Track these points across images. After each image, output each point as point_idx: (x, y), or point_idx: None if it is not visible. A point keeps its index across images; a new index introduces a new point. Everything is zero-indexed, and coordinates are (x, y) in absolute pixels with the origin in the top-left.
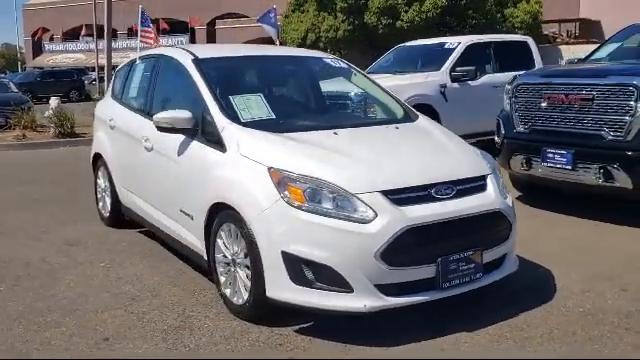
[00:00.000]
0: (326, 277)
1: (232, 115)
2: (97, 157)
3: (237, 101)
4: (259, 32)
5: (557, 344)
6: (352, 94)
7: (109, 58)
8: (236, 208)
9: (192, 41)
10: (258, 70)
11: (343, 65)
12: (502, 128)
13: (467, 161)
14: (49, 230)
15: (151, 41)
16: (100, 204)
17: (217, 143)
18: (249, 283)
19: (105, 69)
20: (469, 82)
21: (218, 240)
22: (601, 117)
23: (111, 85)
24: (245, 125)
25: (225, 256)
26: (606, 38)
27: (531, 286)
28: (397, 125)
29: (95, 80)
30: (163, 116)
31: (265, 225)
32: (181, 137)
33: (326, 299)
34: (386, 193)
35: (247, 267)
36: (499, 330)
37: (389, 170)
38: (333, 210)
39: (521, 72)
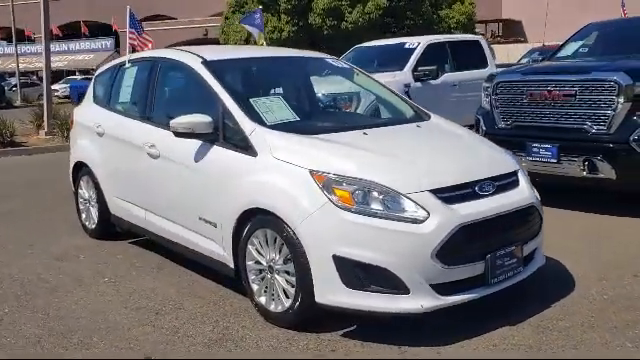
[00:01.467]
0: (382, 279)
1: (257, 118)
2: (79, 166)
3: (259, 104)
4: (189, 34)
5: (600, 331)
6: (359, 94)
7: (48, 61)
8: (277, 213)
9: (117, 44)
10: (268, 72)
11: (345, 65)
12: (483, 125)
13: (498, 157)
14: (31, 245)
15: (139, 43)
16: (83, 216)
17: (245, 148)
18: (291, 289)
19: (44, 74)
20: (431, 81)
21: (249, 247)
22: (584, 112)
23: (91, 90)
24: (273, 128)
25: (259, 263)
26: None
27: (551, 278)
28: (418, 124)
29: (16, 86)
30: (182, 121)
31: (313, 229)
32: (198, 142)
33: (382, 301)
34: (435, 192)
35: (287, 273)
36: (540, 322)
37: (433, 169)
38: (384, 211)
39: (498, 70)
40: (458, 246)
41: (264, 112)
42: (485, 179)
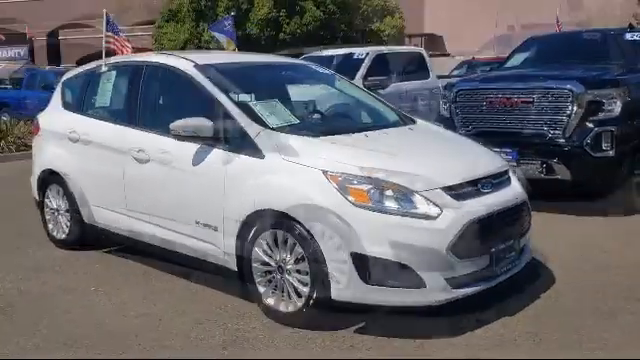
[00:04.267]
0: (399, 274)
1: (260, 121)
2: (46, 174)
3: (259, 107)
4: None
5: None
6: (345, 99)
7: None
8: (289, 214)
9: (32, 53)
10: (258, 76)
11: (328, 72)
12: None
13: (491, 157)
14: None
15: (117, 47)
16: (50, 226)
17: (250, 150)
18: (304, 288)
19: None
20: (380, 91)
21: (256, 249)
22: (541, 117)
23: (58, 95)
24: (278, 130)
25: (266, 264)
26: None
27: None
28: (410, 127)
29: None
30: (183, 124)
31: (329, 228)
32: (195, 146)
33: (399, 296)
34: (446, 189)
35: (299, 272)
36: (534, 312)
37: (441, 167)
38: (398, 208)
39: (456, 79)
40: (469, 240)
41: (265, 115)
42: (485, 177)
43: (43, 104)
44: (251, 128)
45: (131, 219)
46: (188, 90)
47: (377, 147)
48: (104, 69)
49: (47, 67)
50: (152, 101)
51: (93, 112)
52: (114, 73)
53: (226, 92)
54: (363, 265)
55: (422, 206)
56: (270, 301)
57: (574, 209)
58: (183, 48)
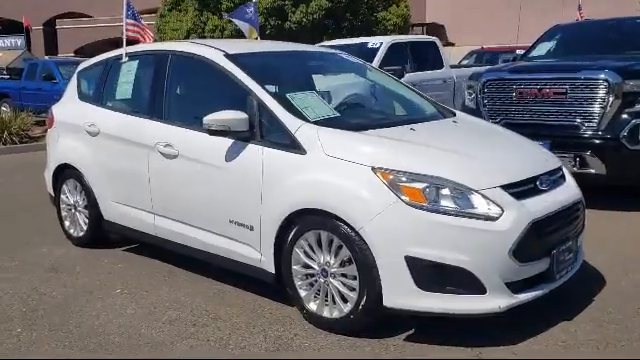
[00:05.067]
0: (458, 280)
1: (299, 114)
2: (62, 169)
3: (296, 99)
4: (106, 32)
5: None
6: (380, 90)
7: None
8: (336, 213)
9: (28, 42)
10: (291, 66)
11: (360, 61)
12: None
13: (545, 153)
14: (11, 258)
15: (138, 35)
16: (67, 223)
17: (290, 145)
18: (351, 293)
19: None
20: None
21: (297, 250)
22: (575, 109)
23: (74, 86)
24: (319, 124)
25: (308, 267)
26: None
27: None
28: (453, 120)
29: None
30: (217, 118)
31: (382, 230)
32: (229, 141)
33: (457, 303)
34: (505, 187)
35: (345, 276)
36: (593, 315)
37: (498, 164)
38: (456, 208)
39: (485, 68)
40: (531, 242)
41: (303, 108)
42: (543, 174)
43: (44, 95)
44: (291, 122)
45: (156, 216)
46: (218, 81)
47: (427, 141)
48: (125, 59)
49: (46, 57)
50: (179, 93)
51: (113, 104)
52: (136, 63)
53: (261, 83)
54: (418, 269)
55: (481, 206)
56: (312, 306)
57: (616, 205)
58: (186, 38)
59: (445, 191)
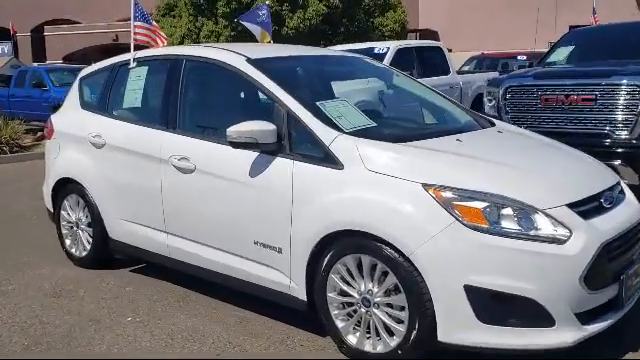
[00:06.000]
0: (524, 311)
1: (332, 125)
2: (63, 183)
3: (327, 108)
4: (93, 39)
5: None
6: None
7: None
8: (381, 236)
9: (16, 49)
10: (317, 72)
11: (386, 66)
12: None
13: (601, 165)
14: (8, 280)
15: (148, 39)
16: (68, 241)
17: (323, 159)
18: (398, 326)
19: None
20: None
21: (333, 276)
22: (605, 116)
23: (75, 94)
24: (355, 135)
25: (345, 294)
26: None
27: None
28: (498, 130)
29: None
30: (243, 129)
31: (437, 255)
32: (253, 154)
33: (523, 337)
34: (571, 206)
35: (390, 306)
36: None
37: (560, 179)
38: (520, 230)
39: (502, 75)
40: (602, 267)
41: (337, 117)
42: (605, 190)
43: (33, 102)
44: (324, 133)
45: (169, 235)
46: (240, 89)
47: (477, 154)
48: (133, 64)
49: (35, 64)
50: (195, 101)
51: (121, 113)
52: (145, 69)
53: (289, 90)
54: (480, 300)
55: (547, 227)
56: (352, 339)
57: None
58: (180, 44)
59: (507, 211)
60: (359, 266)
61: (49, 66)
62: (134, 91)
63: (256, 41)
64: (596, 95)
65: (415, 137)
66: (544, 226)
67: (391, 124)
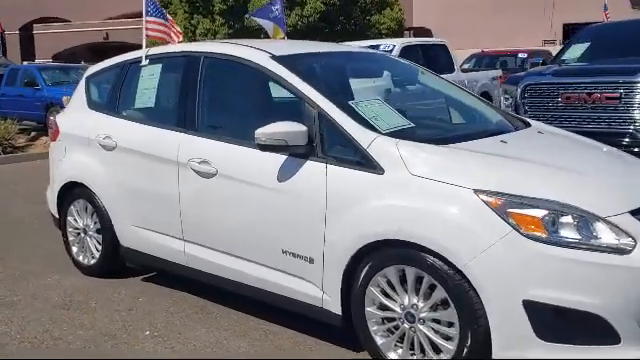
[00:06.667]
0: (587, 327)
1: (369, 126)
2: (69, 188)
3: (361, 108)
4: (83, 38)
5: None
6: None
7: None
8: (432, 247)
9: (4, 48)
10: (343, 69)
11: (410, 63)
12: None
13: None
14: (13, 290)
15: (163, 35)
16: (75, 249)
17: (360, 163)
18: (446, 343)
19: None
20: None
21: (371, 289)
22: (629, 114)
23: (82, 93)
24: (394, 136)
25: (386, 308)
26: None
27: None
28: (537, 130)
29: None
30: (272, 131)
31: (492, 267)
32: (281, 157)
33: (584, 355)
34: (634, 213)
35: (437, 322)
36: None
37: (618, 184)
38: (581, 240)
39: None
40: None
41: (372, 117)
42: None
43: (26, 101)
44: (361, 134)
45: (187, 243)
46: (265, 87)
47: (526, 156)
48: (145, 62)
49: (24, 62)
50: (216, 101)
51: (133, 113)
52: (159, 66)
53: (319, 89)
54: (540, 316)
55: (610, 236)
56: (393, 356)
57: None
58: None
59: (566, 219)
60: (402, 278)
61: (41, 64)
62: (147, 90)
63: (254, 38)
64: (621, 93)
65: (457, 138)
66: (607, 235)
67: (427, 124)
